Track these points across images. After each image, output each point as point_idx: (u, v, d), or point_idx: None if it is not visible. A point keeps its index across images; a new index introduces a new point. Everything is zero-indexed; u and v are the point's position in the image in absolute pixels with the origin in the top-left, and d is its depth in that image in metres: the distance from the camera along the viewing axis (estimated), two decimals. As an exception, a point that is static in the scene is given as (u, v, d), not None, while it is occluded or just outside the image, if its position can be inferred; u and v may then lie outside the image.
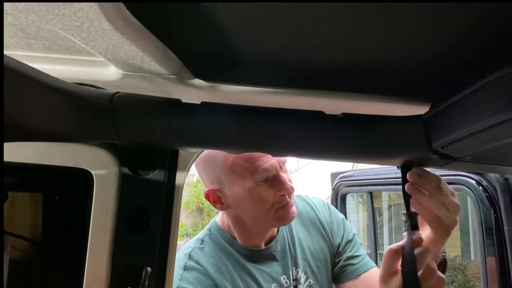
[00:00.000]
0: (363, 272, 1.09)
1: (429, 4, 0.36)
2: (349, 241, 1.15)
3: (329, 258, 1.14)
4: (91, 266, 0.70)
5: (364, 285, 1.08)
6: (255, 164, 0.94)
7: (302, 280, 1.08)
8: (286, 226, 1.12)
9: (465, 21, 0.39)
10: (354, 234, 1.18)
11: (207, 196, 1.03)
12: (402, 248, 0.68)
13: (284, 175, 0.99)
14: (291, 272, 1.07)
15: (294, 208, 1.02)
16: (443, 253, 0.74)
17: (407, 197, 0.64)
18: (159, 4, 0.41)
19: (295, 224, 1.14)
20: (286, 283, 1.06)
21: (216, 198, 1.02)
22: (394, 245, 0.69)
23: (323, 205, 1.21)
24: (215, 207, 1.04)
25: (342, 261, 1.13)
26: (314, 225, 1.16)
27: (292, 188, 0.99)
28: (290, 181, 1.00)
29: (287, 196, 0.99)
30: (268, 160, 0.94)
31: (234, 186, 0.97)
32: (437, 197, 0.63)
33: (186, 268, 0.99)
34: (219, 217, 1.13)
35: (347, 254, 1.13)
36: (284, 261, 1.08)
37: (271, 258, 1.07)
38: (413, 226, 0.68)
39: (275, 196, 0.98)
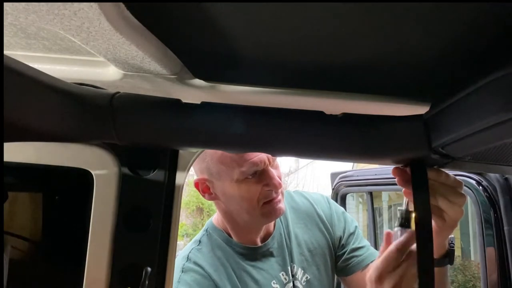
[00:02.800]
0: (370, 263, 1.09)
1: (428, 4, 0.36)
2: (352, 234, 1.15)
3: (329, 252, 1.13)
4: (91, 266, 0.70)
5: None
6: (244, 157, 0.94)
7: (299, 275, 1.08)
8: (283, 221, 1.12)
9: (464, 21, 0.39)
10: (356, 227, 1.17)
11: (197, 185, 1.04)
12: (402, 245, 0.68)
13: (273, 170, 0.99)
14: (289, 268, 1.07)
15: (281, 205, 1.02)
16: (452, 244, 0.72)
17: (421, 196, 0.61)
18: (159, 4, 0.41)
19: (292, 219, 1.14)
20: (286, 279, 1.06)
21: (205, 188, 1.03)
22: (398, 244, 0.68)
23: (322, 199, 1.21)
24: (204, 196, 1.05)
25: (346, 253, 1.13)
26: (312, 220, 1.15)
27: (280, 184, 1.00)
28: (279, 177, 1.01)
29: (274, 191, 0.99)
30: (258, 154, 0.95)
31: (222, 177, 0.98)
32: (444, 194, 0.62)
33: (184, 270, 0.99)
34: (214, 217, 1.14)
35: (351, 246, 1.13)
36: (281, 257, 1.08)
37: (268, 255, 1.07)
38: (407, 224, 0.68)
39: (262, 190, 0.98)
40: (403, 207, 0.71)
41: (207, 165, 0.99)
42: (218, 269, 1.00)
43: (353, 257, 1.12)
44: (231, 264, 1.03)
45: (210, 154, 0.98)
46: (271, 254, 1.07)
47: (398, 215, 0.71)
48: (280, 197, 1.02)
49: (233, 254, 1.05)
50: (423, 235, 0.57)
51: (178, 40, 0.51)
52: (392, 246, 0.69)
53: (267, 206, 1.00)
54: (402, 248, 0.68)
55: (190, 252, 1.04)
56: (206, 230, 1.11)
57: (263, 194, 0.98)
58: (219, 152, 0.96)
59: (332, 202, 1.22)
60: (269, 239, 1.08)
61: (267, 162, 0.97)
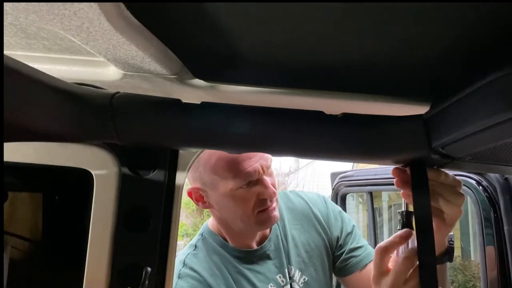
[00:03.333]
0: (368, 263, 1.09)
1: (429, 3, 0.36)
2: (349, 233, 1.15)
3: (326, 253, 1.13)
4: (91, 266, 0.70)
5: (370, 275, 1.08)
6: (238, 167, 0.93)
7: (297, 277, 1.08)
8: (279, 223, 1.12)
9: (465, 21, 0.39)
10: (353, 226, 1.17)
11: (190, 194, 1.04)
12: (391, 244, 0.68)
13: (268, 179, 0.98)
14: (286, 270, 1.07)
15: (276, 213, 1.01)
16: (451, 241, 0.71)
17: (420, 196, 0.59)
18: (159, 4, 0.41)
19: (288, 220, 1.14)
20: (283, 281, 1.06)
21: (198, 197, 1.03)
22: (383, 243, 0.68)
23: (318, 199, 1.20)
24: (198, 205, 1.05)
25: (344, 253, 1.12)
26: (309, 220, 1.15)
27: (274, 193, 0.99)
28: (273, 184, 1.00)
29: (268, 200, 0.99)
30: (252, 164, 0.94)
31: (216, 187, 0.97)
32: (443, 194, 0.62)
33: (180, 276, 0.99)
34: (210, 221, 1.13)
35: (349, 246, 1.12)
36: (278, 260, 1.07)
37: (265, 257, 1.07)
38: (408, 225, 0.68)
39: (257, 199, 0.97)
40: (403, 209, 0.71)
41: (200, 175, 0.98)
42: (215, 274, 1.00)
43: (351, 257, 1.11)
44: (228, 268, 1.02)
45: (202, 164, 0.97)
46: (267, 257, 1.07)
47: (399, 217, 0.70)
48: (274, 204, 1.01)
49: (229, 258, 1.04)
50: (424, 235, 0.57)
51: (178, 40, 0.51)
52: (376, 248, 0.69)
53: (262, 215, 0.99)
54: (385, 250, 0.68)
55: (186, 257, 1.04)
56: (202, 234, 1.11)
57: (258, 203, 0.98)
58: (212, 162, 0.95)
59: (329, 201, 1.21)
60: (265, 241, 1.08)
61: (261, 171, 0.96)
